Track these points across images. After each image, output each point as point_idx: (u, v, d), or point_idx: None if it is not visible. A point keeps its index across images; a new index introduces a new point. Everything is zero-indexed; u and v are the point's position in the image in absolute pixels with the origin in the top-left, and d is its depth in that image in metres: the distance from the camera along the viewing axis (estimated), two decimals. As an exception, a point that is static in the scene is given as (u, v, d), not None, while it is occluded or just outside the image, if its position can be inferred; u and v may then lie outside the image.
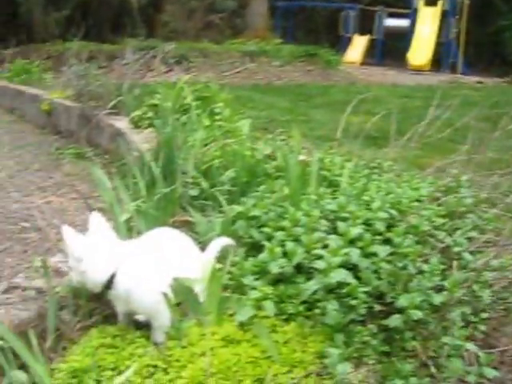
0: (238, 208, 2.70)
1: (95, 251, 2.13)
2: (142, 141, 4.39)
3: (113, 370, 2.03)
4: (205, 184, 3.15)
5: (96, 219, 2.21)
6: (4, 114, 7.79)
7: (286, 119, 6.90)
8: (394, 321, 2.15)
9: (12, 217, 3.96)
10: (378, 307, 2.24)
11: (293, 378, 2.04)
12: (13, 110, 7.77)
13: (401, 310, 2.16)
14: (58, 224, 3.71)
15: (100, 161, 4.99)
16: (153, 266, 2.16)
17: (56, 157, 5.61)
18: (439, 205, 2.96)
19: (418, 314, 2.12)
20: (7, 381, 1.89)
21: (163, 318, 2.16)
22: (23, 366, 1.97)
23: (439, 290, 2.28)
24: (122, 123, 5.27)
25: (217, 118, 4.63)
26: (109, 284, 2.13)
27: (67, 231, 2.15)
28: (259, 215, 2.65)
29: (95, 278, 2.13)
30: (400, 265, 2.28)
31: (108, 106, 5.73)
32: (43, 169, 5.22)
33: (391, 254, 2.36)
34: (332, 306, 2.14)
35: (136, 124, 5.10)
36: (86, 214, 3.92)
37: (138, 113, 5.17)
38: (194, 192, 3.12)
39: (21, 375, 1.88)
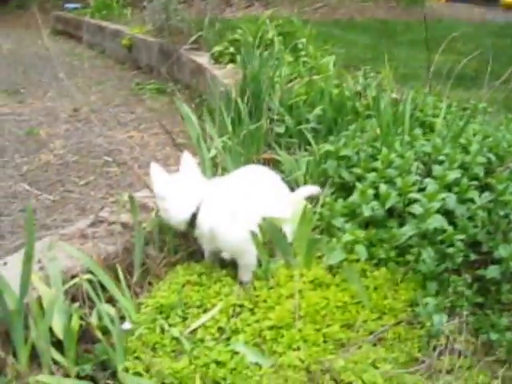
0: (327, 147, 2.59)
1: (178, 190, 2.11)
2: (224, 76, 4.30)
3: (198, 307, 2.02)
4: (290, 121, 3.05)
5: (186, 158, 2.18)
6: (85, 49, 7.84)
7: (368, 57, 6.63)
8: (492, 272, 2.02)
9: (95, 151, 3.99)
10: (473, 256, 2.11)
11: (382, 325, 1.97)
12: (93, 46, 7.81)
13: (499, 261, 2.03)
14: (140, 158, 3.72)
15: (181, 96, 4.94)
16: (239, 203, 2.10)
17: (137, 92, 5.61)
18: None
19: (517, 267, 1.98)
20: (96, 313, 1.90)
21: (249, 257, 2.12)
22: (110, 300, 1.97)
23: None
24: (202, 59, 5.19)
25: (300, 53, 4.48)
26: (192, 222, 2.10)
27: (154, 168, 2.12)
28: (350, 155, 2.53)
29: (177, 216, 2.11)
30: (501, 213, 2.13)
31: (188, 42, 5.65)
32: (124, 104, 5.23)
33: (489, 201, 2.21)
34: (427, 253, 2.04)
35: (217, 59, 5.01)
36: (167, 149, 3.96)
37: (219, 48, 5.06)
38: (279, 129, 3.03)
39: (109, 309, 1.88)
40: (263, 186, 2.22)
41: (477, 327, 1.99)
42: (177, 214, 2.10)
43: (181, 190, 2.10)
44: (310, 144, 2.87)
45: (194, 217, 2.09)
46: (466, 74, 4.82)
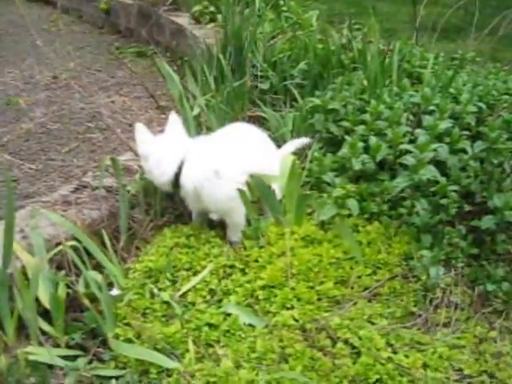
0: (314, 101, 2.52)
1: (161, 150, 2.05)
2: (205, 36, 4.18)
3: (188, 270, 1.97)
4: (275, 77, 2.97)
5: (173, 118, 2.12)
6: (61, 14, 7.62)
7: (352, 12, 6.49)
8: (487, 222, 1.98)
9: (77, 117, 3.88)
10: (467, 207, 2.07)
11: (377, 281, 1.93)
12: (70, 11, 7.61)
13: (493, 211, 1.99)
14: (123, 123, 3.63)
15: (162, 59, 4.82)
16: (223, 161, 2.03)
17: (117, 56, 5.46)
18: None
19: (513, 216, 1.94)
20: (83, 281, 1.84)
21: (237, 215, 2.06)
22: (97, 267, 1.91)
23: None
24: (182, 19, 5.04)
25: (282, 9, 4.36)
26: (176, 183, 2.04)
27: (139, 128, 2.06)
28: (337, 108, 2.46)
29: (160, 177, 2.05)
30: (495, 162, 2.08)
31: (167, 2, 5.49)
32: (105, 69, 5.09)
33: (482, 150, 2.16)
34: (421, 205, 1.99)
35: (197, 19, 4.87)
36: (150, 112, 3.86)
37: (198, 8, 4.91)
38: (264, 86, 2.94)
39: (96, 275, 1.82)
40: (248, 143, 2.15)
41: (473, 279, 1.97)
42: (160, 174, 2.05)
43: (164, 150, 2.05)
44: (295, 100, 2.80)
45: (177, 177, 2.02)
46: (451, 27, 4.73)
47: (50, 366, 1.66)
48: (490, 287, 1.90)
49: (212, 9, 4.79)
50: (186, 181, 2.02)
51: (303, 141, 2.31)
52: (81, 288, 1.83)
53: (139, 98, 4.20)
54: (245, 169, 1.99)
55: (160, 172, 2.04)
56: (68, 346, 1.74)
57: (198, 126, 2.53)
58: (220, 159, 2.03)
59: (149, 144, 2.05)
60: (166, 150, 2.05)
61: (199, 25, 4.77)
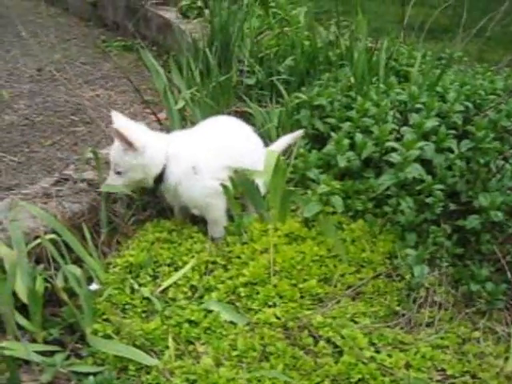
0: (301, 96, 2.50)
1: (154, 142, 2.00)
2: (193, 31, 4.15)
3: (169, 265, 1.94)
4: (261, 73, 2.94)
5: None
6: (47, 6, 7.53)
7: (340, 10, 6.47)
8: (472, 221, 1.96)
9: (61, 110, 3.84)
10: (452, 206, 2.05)
11: (361, 279, 1.91)
12: (55, 3, 7.53)
13: (478, 211, 1.97)
14: (107, 117, 3.58)
15: (148, 53, 4.78)
16: (203, 157, 1.99)
17: (103, 50, 5.42)
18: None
19: (498, 216, 1.92)
20: (61, 275, 1.80)
21: (215, 212, 2.03)
22: (77, 261, 1.87)
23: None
24: (170, 13, 5.00)
25: (270, 5, 4.33)
26: (160, 176, 2.00)
27: (117, 116, 2.03)
28: (324, 104, 2.44)
29: (153, 168, 1.99)
30: (481, 161, 2.07)
31: (154, -4, 5.46)
32: (90, 62, 5.04)
33: (468, 149, 2.15)
34: (406, 203, 1.97)
35: (184, 14, 4.83)
36: (135, 107, 3.82)
37: (186, 2, 4.88)
38: (250, 81, 2.92)
39: (75, 270, 1.78)
40: (230, 137, 2.10)
41: (457, 278, 1.95)
42: (154, 166, 1.99)
43: (156, 143, 2.00)
44: (281, 96, 2.78)
45: (162, 171, 1.99)
46: (439, 27, 4.74)
47: (27, 362, 1.62)
48: (474, 287, 1.88)
49: (199, 3, 4.75)
50: (171, 176, 1.99)
51: (296, 134, 2.29)
52: (59, 282, 1.79)
53: (124, 92, 4.15)
54: (225, 164, 1.95)
55: (154, 164, 1.99)
56: (45, 342, 1.70)
57: (183, 120, 2.50)
58: (198, 154, 1.99)
59: (143, 135, 2.00)
60: (157, 143, 2.01)
61: (186, 19, 4.73)
